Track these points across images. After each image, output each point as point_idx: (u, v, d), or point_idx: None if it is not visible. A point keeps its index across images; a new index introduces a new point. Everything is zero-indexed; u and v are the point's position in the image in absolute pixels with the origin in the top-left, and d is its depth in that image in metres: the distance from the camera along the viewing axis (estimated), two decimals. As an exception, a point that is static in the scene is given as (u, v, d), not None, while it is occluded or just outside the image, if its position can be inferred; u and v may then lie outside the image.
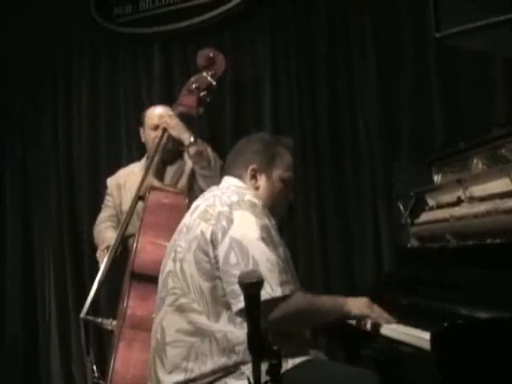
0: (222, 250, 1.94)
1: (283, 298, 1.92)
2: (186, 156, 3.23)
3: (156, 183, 3.17)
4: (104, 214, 3.37)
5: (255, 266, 1.90)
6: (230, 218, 1.97)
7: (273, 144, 2.22)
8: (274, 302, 1.91)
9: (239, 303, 1.88)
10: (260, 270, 1.87)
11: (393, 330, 1.98)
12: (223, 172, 2.29)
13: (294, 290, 1.98)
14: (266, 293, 1.87)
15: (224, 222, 1.96)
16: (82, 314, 2.92)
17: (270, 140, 2.25)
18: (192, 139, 3.09)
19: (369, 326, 2.10)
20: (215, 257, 1.95)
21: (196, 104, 3.21)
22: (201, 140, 3.16)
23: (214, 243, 1.96)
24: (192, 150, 3.10)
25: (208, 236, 1.97)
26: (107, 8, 4.09)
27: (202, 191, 2.30)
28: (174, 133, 3.14)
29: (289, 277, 1.98)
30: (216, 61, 3.27)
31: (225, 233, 1.95)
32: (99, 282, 2.97)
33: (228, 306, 1.94)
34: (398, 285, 2.47)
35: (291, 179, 2.23)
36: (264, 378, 1.42)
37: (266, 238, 1.97)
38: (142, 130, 3.39)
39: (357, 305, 2.09)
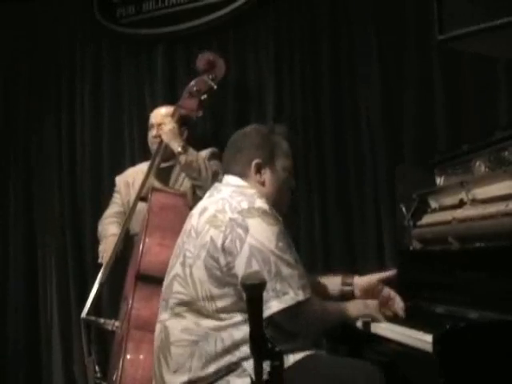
0: (242, 258, 1.94)
1: (305, 302, 1.96)
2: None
3: (157, 184, 3.18)
4: (110, 211, 3.40)
5: (278, 272, 1.93)
6: (245, 225, 1.97)
7: (270, 134, 2.21)
8: (299, 306, 1.94)
9: (266, 310, 1.87)
10: (282, 276, 1.92)
11: (395, 332, 1.98)
12: (224, 169, 2.26)
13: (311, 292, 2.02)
14: (291, 298, 1.92)
15: (240, 231, 1.96)
16: (83, 315, 2.93)
17: (266, 131, 2.23)
18: (180, 149, 3.09)
19: (360, 324, 2.11)
20: (227, 264, 1.96)
21: (196, 107, 3.24)
22: (192, 149, 3.14)
23: (227, 251, 1.96)
24: (182, 159, 3.09)
25: (219, 243, 1.97)
26: (110, 9, 4.09)
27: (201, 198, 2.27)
28: (165, 138, 3.15)
29: (306, 279, 2.01)
30: (216, 64, 3.30)
31: (242, 241, 1.95)
32: (100, 283, 2.98)
33: (242, 310, 1.93)
34: (400, 287, 2.46)
35: (292, 166, 2.23)
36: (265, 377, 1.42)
37: (282, 245, 1.98)
38: None
39: (355, 307, 2.13)
